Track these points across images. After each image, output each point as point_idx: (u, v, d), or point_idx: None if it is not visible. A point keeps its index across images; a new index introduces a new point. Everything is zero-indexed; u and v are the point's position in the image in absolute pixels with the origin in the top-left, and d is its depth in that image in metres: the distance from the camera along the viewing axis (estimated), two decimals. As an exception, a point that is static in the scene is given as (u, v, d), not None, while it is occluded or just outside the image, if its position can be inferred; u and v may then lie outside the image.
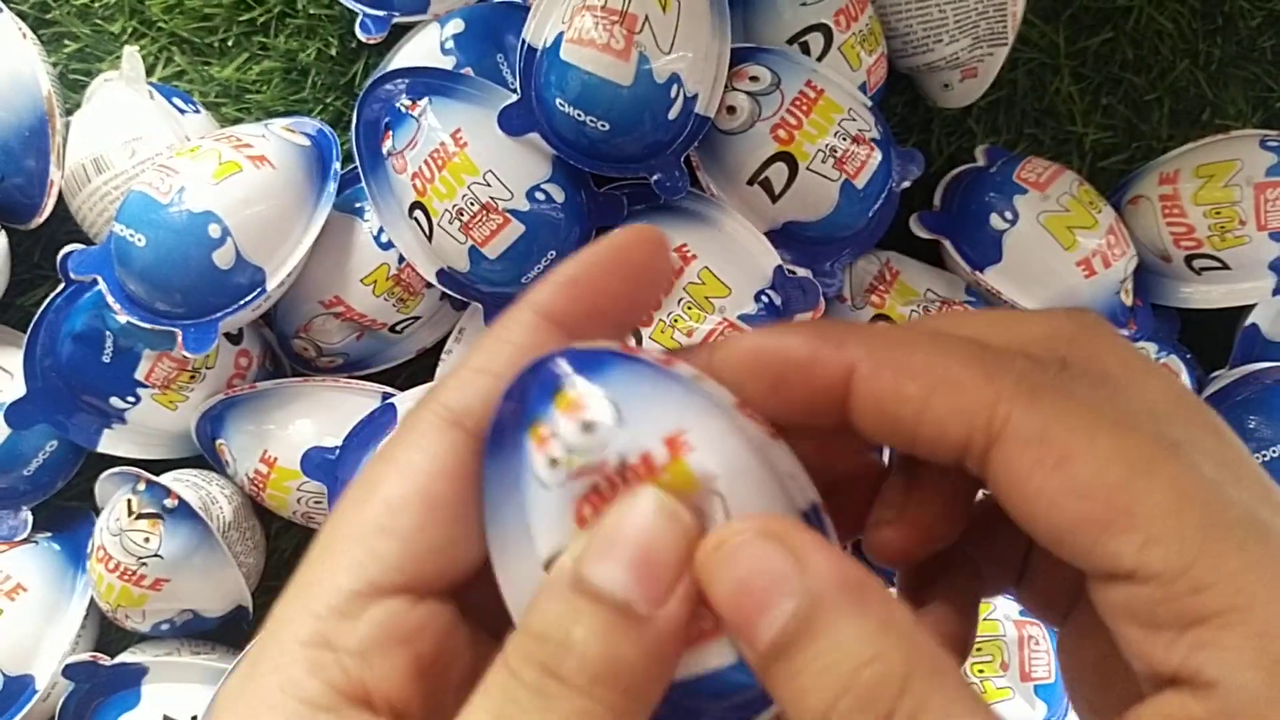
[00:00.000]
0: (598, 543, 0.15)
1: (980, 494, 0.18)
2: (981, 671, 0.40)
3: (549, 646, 0.14)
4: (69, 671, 0.41)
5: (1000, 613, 0.41)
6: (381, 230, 0.42)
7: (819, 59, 0.42)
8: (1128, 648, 0.15)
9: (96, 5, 0.48)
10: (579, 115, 0.39)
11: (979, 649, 0.40)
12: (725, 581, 0.15)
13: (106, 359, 0.42)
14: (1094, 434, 0.14)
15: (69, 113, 0.45)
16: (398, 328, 0.44)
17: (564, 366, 0.16)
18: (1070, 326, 0.17)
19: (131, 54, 0.43)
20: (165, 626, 0.43)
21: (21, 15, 0.46)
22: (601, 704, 0.14)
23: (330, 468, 0.40)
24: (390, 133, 0.41)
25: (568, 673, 0.14)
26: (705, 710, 0.16)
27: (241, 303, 0.40)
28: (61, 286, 0.42)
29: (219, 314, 0.40)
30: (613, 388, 0.16)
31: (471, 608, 0.17)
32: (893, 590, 0.17)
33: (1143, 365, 0.16)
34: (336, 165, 0.42)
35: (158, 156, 0.42)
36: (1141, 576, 0.14)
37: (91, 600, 0.43)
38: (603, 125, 0.39)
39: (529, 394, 0.16)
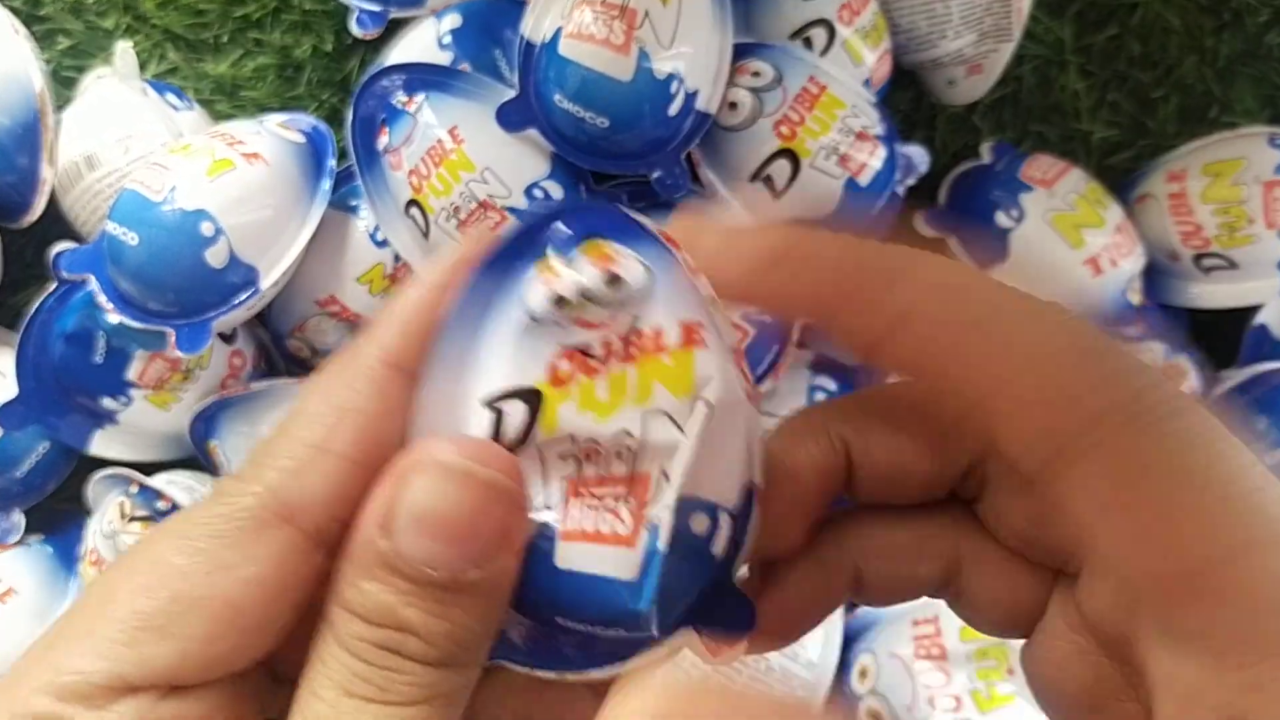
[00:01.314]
0: (405, 511, 0.14)
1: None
2: (987, 677, 0.40)
3: (385, 631, 0.14)
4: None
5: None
6: (377, 228, 0.42)
7: (822, 54, 0.42)
8: (1165, 686, 0.13)
9: (89, 1, 0.47)
10: (578, 111, 0.38)
11: (984, 654, 0.40)
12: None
13: (98, 359, 0.41)
14: (1193, 490, 0.13)
15: (61, 109, 0.44)
16: (394, 327, 0.44)
17: (606, 212, 0.15)
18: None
19: (125, 50, 0.42)
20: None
21: (14, 11, 0.46)
22: (451, 670, 0.14)
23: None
24: (386, 129, 0.41)
25: (413, 652, 0.14)
26: (576, 622, 0.15)
27: (235, 302, 0.39)
28: (53, 286, 0.41)
29: (212, 314, 0.39)
30: (647, 258, 0.15)
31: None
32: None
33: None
34: (332, 162, 0.42)
35: (151, 154, 0.41)
36: (1212, 652, 0.13)
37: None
38: (602, 122, 0.38)
39: (553, 229, 0.15)
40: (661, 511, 0.15)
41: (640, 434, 0.15)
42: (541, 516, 0.15)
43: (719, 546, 0.15)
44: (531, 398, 0.15)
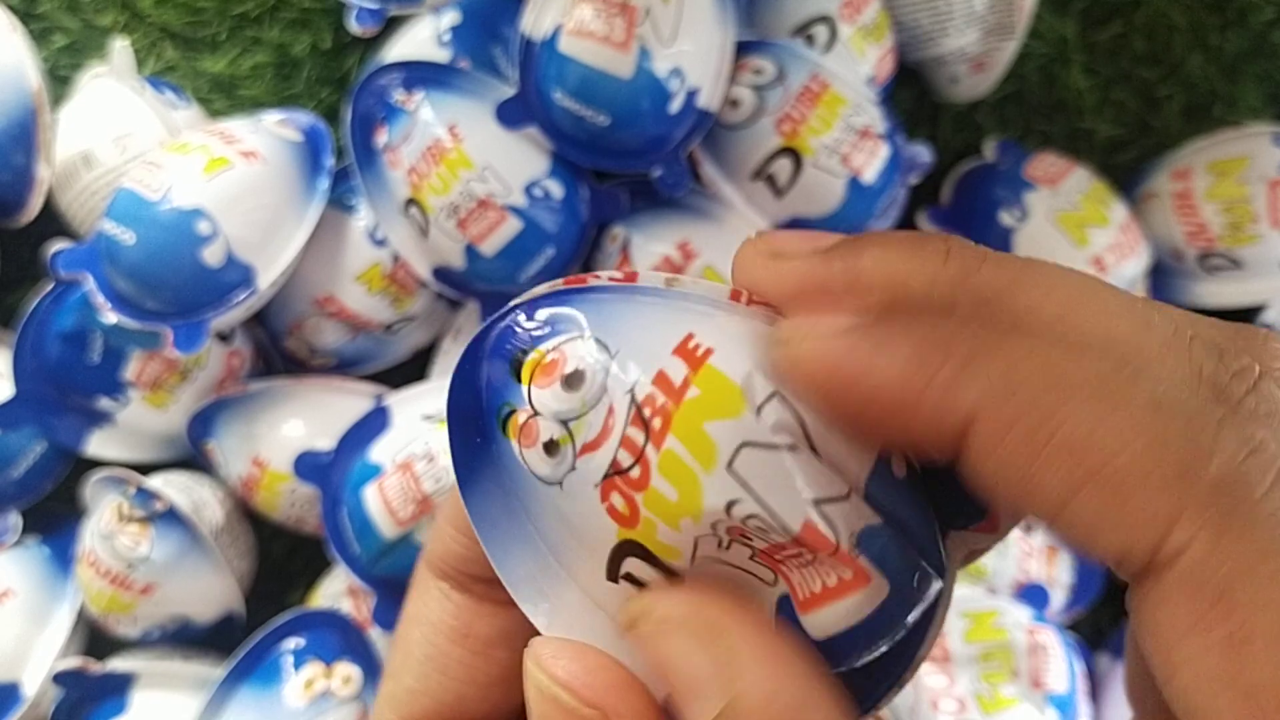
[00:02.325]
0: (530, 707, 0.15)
1: None
2: (990, 679, 0.39)
3: None
4: (58, 678, 0.40)
5: (1010, 620, 0.40)
6: (375, 227, 0.41)
7: (824, 52, 0.42)
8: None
9: (86, -2, 0.47)
10: (578, 109, 0.38)
11: (988, 656, 0.39)
12: (652, 654, 0.13)
13: (95, 359, 0.41)
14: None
15: (58, 108, 0.44)
16: (392, 327, 0.44)
17: (509, 328, 0.13)
18: (1240, 360, 0.12)
19: (121, 48, 0.42)
20: (155, 633, 0.42)
21: (10, 8, 0.45)
22: None
23: (323, 471, 0.39)
24: (384, 127, 0.40)
25: None
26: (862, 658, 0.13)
27: (232, 301, 0.39)
28: (51, 285, 0.41)
29: (209, 313, 0.39)
30: (582, 324, 0.12)
31: None
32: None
33: None
34: (330, 161, 0.41)
35: (147, 152, 0.41)
36: None
37: (80, 605, 0.43)
38: (602, 119, 0.38)
39: (482, 389, 0.13)
40: (854, 519, 0.12)
41: (745, 493, 0.12)
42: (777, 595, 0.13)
43: (906, 470, 0.13)
44: (633, 549, 0.13)
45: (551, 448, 0.12)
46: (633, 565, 0.13)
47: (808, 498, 0.12)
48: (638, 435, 0.12)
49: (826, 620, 0.12)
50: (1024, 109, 0.49)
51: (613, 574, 0.13)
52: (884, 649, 0.13)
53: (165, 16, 0.47)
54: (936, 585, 0.13)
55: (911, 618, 0.13)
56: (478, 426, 0.13)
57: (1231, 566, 0.10)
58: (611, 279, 0.13)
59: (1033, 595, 0.41)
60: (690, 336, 0.12)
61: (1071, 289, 0.12)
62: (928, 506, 0.13)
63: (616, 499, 0.12)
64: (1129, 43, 0.49)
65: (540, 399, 0.12)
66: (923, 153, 0.43)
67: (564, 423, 0.12)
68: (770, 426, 0.12)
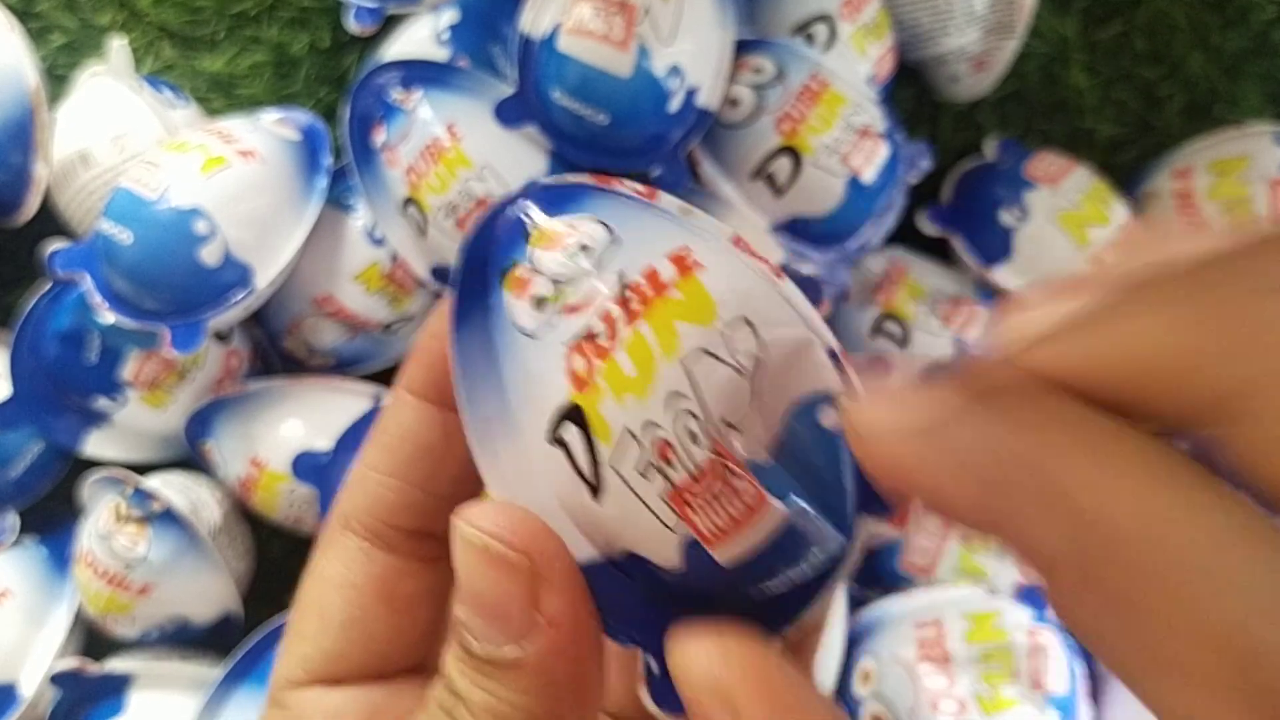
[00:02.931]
0: (458, 584, 0.14)
1: None
2: (991, 680, 0.39)
3: (447, 694, 0.14)
4: (56, 679, 0.40)
5: (1011, 621, 0.39)
6: (374, 226, 0.41)
7: (824, 50, 0.41)
8: None
9: (84, -3, 0.47)
10: (577, 108, 0.38)
11: (988, 657, 0.39)
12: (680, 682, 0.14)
13: (92, 359, 0.41)
14: None
15: (55, 107, 0.44)
16: (390, 326, 0.44)
17: (534, 199, 0.14)
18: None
19: (119, 47, 0.42)
20: (154, 633, 0.42)
21: (8, 7, 0.45)
22: None
23: (322, 471, 0.39)
24: (383, 126, 0.40)
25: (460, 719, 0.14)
26: (775, 572, 0.14)
27: (230, 301, 0.39)
28: (48, 285, 0.41)
29: (207, 313, 0.39)
30: (598, 213, 0.14)
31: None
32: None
33: None
34: (328, 160, 0.41)
35: (145, 151, 0.41)
36: None
37: (78, 606, 0.42)
38: (601, 118, 0.38)
39: (494, 241, 0.14)
40: (768, 449, 0.14)
41: (691, 390, 0.13)
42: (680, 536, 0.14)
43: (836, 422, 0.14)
44: (574, 414, 0.14)
45: (539, 303, 0.14)
46: (569, 432, 0.14)
47: (740, 415, 0.14)
48: (616, 311, 0.13)
49: (733, 548, 0.14)
50: (1025, 108, 0.49)
51: (551, 435, 0.14)
52: (787, 578, 0.14)
53: (163, 15, 0.46)
54: (835, 539, 0.14)
55: (809, 558, 0.14)
56: (481, 275, 0.15)
57: None
58: (635, 190, 0.15)
59: (1033, 596, 0.41)
60: (689, 250, 0.14)
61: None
62: (844, 472, 0.14)
63: (578, 361, 0.13)
64: (1130, 42, 0.49)
65: (542, 260, 0.14)
66: (922, 154, 0.42)
67: (556, 284, 0.14)
68: (731, 346, 0.13)
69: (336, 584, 0.17)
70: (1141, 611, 0.10)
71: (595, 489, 0.14)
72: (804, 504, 0.14)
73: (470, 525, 0.14)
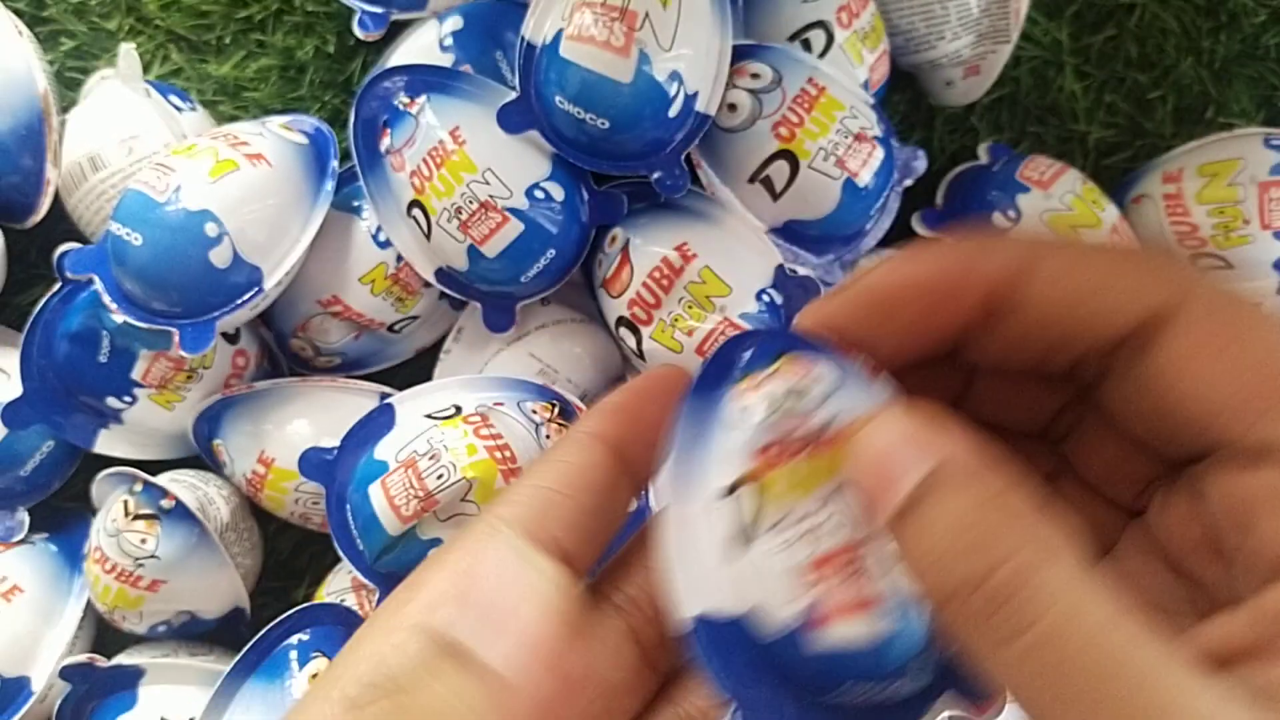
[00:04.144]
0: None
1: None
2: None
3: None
4: (65, 673, 0.40)
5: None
6: (379, 229, 0.42)
7: (820, 56, 0.42)
8: (1257, 535, 0.15)
9: (93, 2, 0.47)
10: (579, 113, 0.39)
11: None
12: (866, 454, 0.16)
13: (103, 359, 0.41)
14: (1268, 323, 0.15)
15: (65, 111, 0.45)
16: (396, 327, 0.44)
17: (787, 339, 0.18)
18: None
19: (128, 51, 0.43)
20: (162, 628, 0.43)
21: (18, 13, 0.46)
22: None
23: (328, 468, 0.40)
24: (388, 130, 0.41)
25: None
26: (844, 692, 0.16)
27: (238, 302, 0.40)
28: (58, 286, 0.41)
29: (216, 313, 0.40)
30: (828, 368, 0.17)
31: None
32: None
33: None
34: (334, 163, 0.42)
35: (154, 155, 0.41)
36: None
37: (88, 601, 0.43)
38: (602, 123, 0.39)
39: (746, 353, 0.18)
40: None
41: (845, 506, 0.16)
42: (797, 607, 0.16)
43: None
44: (748, 481, 0.17)
45: (771, 404, 0.17)
46: (743, 492, 0.17)
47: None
48: (809, 440, 0.17)
49: (843, 630, 0.16)
50: (1018, 112, 0.50)
51: (727, 491, 0.17)
52: (866, 691, 0.16)
53: (171, 21, 0.47)
54: (926, 678, 0.16)
55: (894, 684, 0.16)
56: (722, 372, 0.18)
57: (1221, 303, 0.16)
58: (860, 361, 0.18)
59: None
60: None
61: None
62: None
63: (774, 451, 0.17)
64: (1121, 46, 0.50)
65: (779, 383, 0.17)
66: (917, 157, 0.43)
67: (773, 401, 0.17)
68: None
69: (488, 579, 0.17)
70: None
71: (746, 546, 0.16)
72: (920, 625, 0.16)
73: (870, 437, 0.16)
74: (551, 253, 0.41)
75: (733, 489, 0.17)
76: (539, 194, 0.40)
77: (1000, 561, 0.14)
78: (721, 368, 0.18)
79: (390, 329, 0.44)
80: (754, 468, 0.17)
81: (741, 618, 0.16)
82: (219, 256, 0.39)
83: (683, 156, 0.40)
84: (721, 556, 0.16)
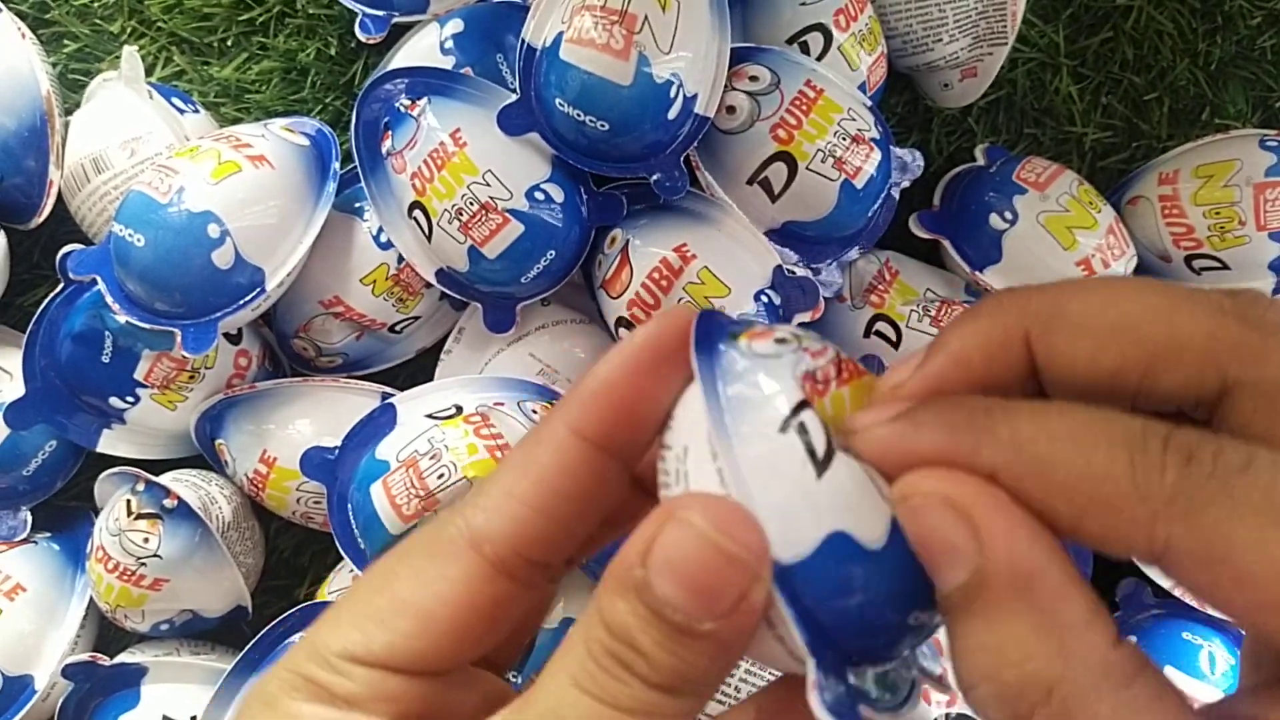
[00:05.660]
0: (659, 553, 0.15)
1: None
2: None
3: (620, 645, 0.16)
4: (68, 671, 0.41)
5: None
6: (381, 230, 0.42)
7: (818, 59, 0.42)
8: None
9: (96, 5, 0.48)
10: (578, 115, 0.39)
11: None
12: (911, 532, 0.15)
13: (106, 359, 0.41)
14: (1266, 533, 0.13)
15: (68, 113, 0.45)
16: (397, 327, 0.44)
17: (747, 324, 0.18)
18: (1234, 328, 0.15)
19: (131, 54, 0.43)
20: (165, 626, 0.43)
21: (21, 15, 0.46)
22: (671, 697, 0.15)
23: (329, 468, 0.40)
24: (390, 132, 0.41)
25: (640, 671, 0.15)
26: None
27: (241, 303, 0.40)
28: (61, 286, 0.42)
29: (218, 314, 0.40)
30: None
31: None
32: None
33: None
34: (336, 165, 0.42)
35: (157, 156, 0.42)
36: None
37: (91, 600, 0.43)
38: (602, 125, 0.39)
39: (722, 320, 0.18)
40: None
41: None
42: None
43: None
44: (807, 407, 0.16)
45: (781, 341, 0.17)
46: (806, 418, 0.17)
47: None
48: (833, 372, 0.17)
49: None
50: (1014, 114, 0.50)
51: (786, 424, 0.17)
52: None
53: (174, 23, 0.47)
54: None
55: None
56: (713, 331, 0.18)
57: (1208, 538, 0.14)
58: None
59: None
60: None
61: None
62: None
63: (807, 385, 0.17)
64: (1117, 49, 0.50)
65: (782, 328, 0.18)
66: (914, 159, 0.43)
67: (796, 334, 0.17)
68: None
69: (445, 597, 0.17)
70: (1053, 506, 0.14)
71: (823, 467, 0.16)
72: None
73: (700, 517, 0.15)
74: (551, 254, 0.41)
75: (793, 415, 0.16)
76: (539, 195, 0.40)
77: (1038, 703, 0.14)
78: (708, 332, 0.17)
79: (391, 329, 0.44)
80: (806, 394, 0.16)
81: (823, 545, 0.16)
82: (221, 257, 0.39)
83: (682, 158, 0.40)
84: (790, 498, 0.16)
